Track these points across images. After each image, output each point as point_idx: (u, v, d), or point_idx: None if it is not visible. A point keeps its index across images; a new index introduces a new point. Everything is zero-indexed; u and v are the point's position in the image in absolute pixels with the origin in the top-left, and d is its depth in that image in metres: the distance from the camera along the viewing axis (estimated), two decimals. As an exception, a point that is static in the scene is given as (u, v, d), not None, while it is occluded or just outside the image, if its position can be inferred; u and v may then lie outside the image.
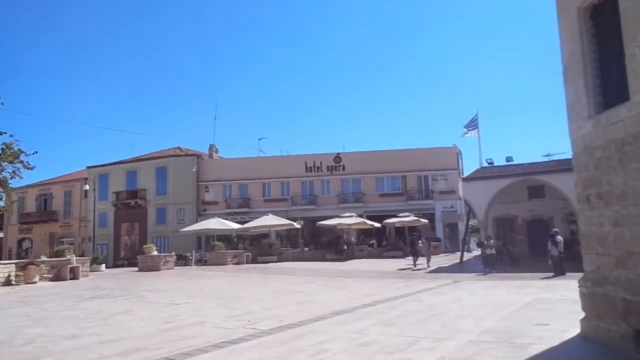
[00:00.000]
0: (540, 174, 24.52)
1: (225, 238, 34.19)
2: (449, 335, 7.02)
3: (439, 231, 38.15)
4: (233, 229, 32.71)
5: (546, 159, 28.03)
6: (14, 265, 18.52)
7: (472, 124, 34.50)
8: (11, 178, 17.92)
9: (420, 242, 25.38)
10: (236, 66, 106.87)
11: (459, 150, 40.98)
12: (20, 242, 49.59)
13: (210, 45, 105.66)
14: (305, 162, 41.39)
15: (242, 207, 40.90)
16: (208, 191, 42.76)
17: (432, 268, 22.21)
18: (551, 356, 5.75)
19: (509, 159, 28.81)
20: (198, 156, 44.21)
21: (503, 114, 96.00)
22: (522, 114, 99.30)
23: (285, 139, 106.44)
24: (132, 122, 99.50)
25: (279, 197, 41.29)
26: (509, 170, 26.50)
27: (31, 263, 18.87)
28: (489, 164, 29.70)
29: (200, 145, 49.14)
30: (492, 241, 20.47)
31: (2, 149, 17.21)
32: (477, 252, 31.34)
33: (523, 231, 28.14)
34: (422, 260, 23.81)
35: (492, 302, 10.73)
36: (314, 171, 41.35)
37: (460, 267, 23.02)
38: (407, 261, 27.31)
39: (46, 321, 9.36)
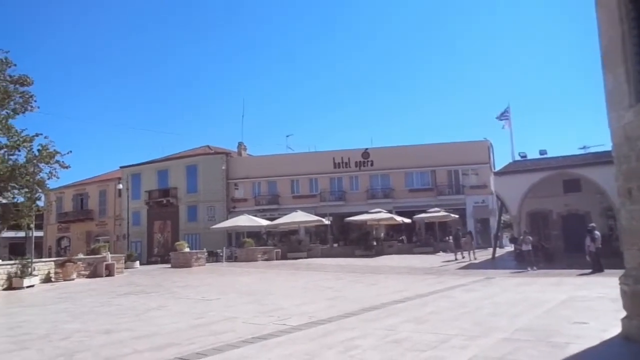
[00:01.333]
0: (576, 167, 23.80)
1: (255, 235, 34.51)
2: (482, 333, 6.85)
3: (470, 227, 37.45)
4: (262, 226, 32.99)
5: (582, 151, 27.23)
6: (53, 262, 19.19)
7: (504, 116, 33.78)
8: (48, 178, 18.51)
9: (463, 236, 26.41)
10: (263, 63, 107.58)
11: (491, 144, 40.18)
12: (59, 240, 51.29)
13: (237, 42, 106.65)
14: (334, 158, 41.32)
15: (271, 204, 41.17)
16: (237, 188, 43.21)
17: (466, 263, 22.27)
18: (591, 356, 5.53)
19: (542, 152, 28.16)
20: (227, 154, 44.69)
21: (536, 106, 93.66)
22: (556, 106, 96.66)
23: (313, 136, 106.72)
24: (161, 122, 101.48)
25: (307, 194, 41.37)
26: (543, 164, 25.83)
27: (69, 260, 19.49)
28: (521, 157, 29.06)
29: (229, 143, 49.78)
30: (528, 237, 19.96)
31: (39, 150, 17.76)
32: (509, 248, 30.74)
33: (558, 226, 27.37)
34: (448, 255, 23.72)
35: (526, 300, 10.45)
36: (342, 167, 41.24)
37: (492, 263, 22.61)
38: (440, 257, 27.11)
39: (83, 317, 9.61)
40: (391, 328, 7.34)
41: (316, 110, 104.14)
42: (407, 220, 33.28)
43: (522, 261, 19.88)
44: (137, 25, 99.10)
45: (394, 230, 36.77)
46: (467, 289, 12.93)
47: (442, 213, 33.02)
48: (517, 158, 29.50)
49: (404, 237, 36.06)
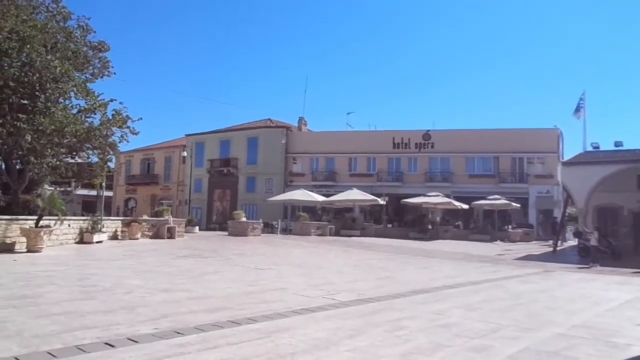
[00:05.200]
0: (655, 162, 22.19)
1: (310, 209, 34.93)
2: (535, 326, 6.63)
3: (532, 217, 36.12)
4: (318, 201, 33.33)
5: (663, 145, 25.32)
6: (120, 221, 20.36)
7: (579, 105, 31.81)
8: (120, 142, 19.46)
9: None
10: (329, 41, 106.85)
11: (561, 132, 38.12)
12: (126, 201, 54.29)
13: (304, 20, 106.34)
14: (393, 138, 40.79)
15: (327, 180, 41.43)
16: (296, 163, 43.74)
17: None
18: (655, 361, 5.23)
19: (617, 143, 26.39)
20: (287, 128, 45.20)
21: (614, 95, 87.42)
22: (636, 95, 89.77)
23: (374, 114, 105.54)
24: (226, 93, 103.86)
25: (364, 172, 41.23)
26: (617, 156, 24.21)
27: (134, 221, 20.61)
28: (594, 148, 27.41)
29: (290, 117, 50.31)
30: (596, 232, 18.92)
31: (113, 114, 18.63)
32: (572, 241, 29.39)
33: (628, 223, 25.79)
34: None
35: (587, 296, 9.98)
36: (402, 148, 40.66)
37: (553, 257, 21.71)
38: (498, 246, 26.44)
39: (145, 274, 10.16)
40: (440, 312, 7.26)
41: (378, 90, 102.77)
42: (465, 206, 32.49)
43: (586, 256, 18.93)
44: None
45: (451, 215, 36.07)
46: (523, 280, 12.52)
47: (503, 201, 31.95)
48: (589, 148, 27.89)
49: (460, 223, 35.31)
